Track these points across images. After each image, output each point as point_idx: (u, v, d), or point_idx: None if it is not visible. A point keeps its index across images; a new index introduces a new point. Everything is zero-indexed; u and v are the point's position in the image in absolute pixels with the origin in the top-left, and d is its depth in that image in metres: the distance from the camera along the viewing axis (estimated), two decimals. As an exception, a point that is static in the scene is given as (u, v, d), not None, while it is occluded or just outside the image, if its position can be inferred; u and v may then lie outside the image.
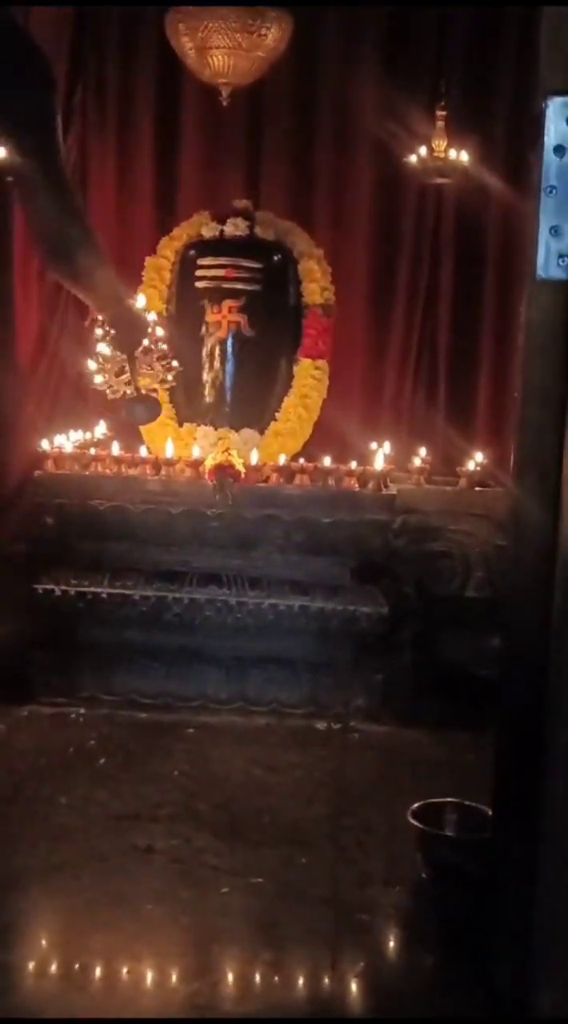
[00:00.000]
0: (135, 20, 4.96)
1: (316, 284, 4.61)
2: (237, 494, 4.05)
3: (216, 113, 4.67)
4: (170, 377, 3.12)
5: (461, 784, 3.15)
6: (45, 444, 4.34)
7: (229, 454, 4.09)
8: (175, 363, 3.38)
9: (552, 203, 1.81)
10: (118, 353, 3.17)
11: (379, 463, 4.37)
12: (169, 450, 4.30)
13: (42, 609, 4.11)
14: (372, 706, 4.09)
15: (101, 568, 4.16)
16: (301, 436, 4.53)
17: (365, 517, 4.17)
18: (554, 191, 1.81)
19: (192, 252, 4.66)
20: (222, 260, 4.57)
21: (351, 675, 4.07)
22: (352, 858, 3.03)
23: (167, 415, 4.32)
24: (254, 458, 4.28)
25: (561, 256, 1.83)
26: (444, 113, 4.58)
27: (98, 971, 2.49)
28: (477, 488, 4.44)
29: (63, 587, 4.09)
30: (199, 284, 4.60)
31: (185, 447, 4.37)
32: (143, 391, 3.41)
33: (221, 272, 4.56)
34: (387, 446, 4.56)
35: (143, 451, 4.40)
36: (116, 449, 4.44)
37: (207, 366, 4.55)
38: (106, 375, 2.98)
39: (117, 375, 3.11)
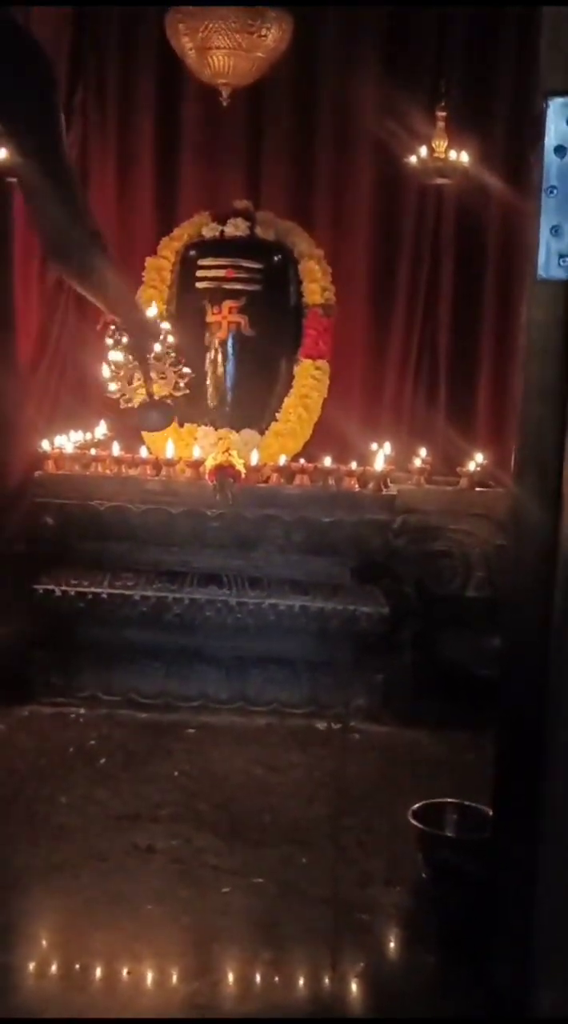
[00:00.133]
0: (135, 20, 4.97)
1: (316, 284, 4.61)
2: (237, 494, 4.05)
3: (216, 113, 4.68)
4: (183, 384, 3.11)
5: (461, 784, 3.16)
6: (45, 444, 4.34)
7: (229, 454, 4.10)
8: (187, 369, 3.38)
9: (553, 203, 1.81)
10: (130, 359, 3.17)
11: (379, 463, 4.37)
12: (169, 450, 4.30)
13: (42, 609, 4.11)
14: (372, 706, 4.09)
15: (101, 568, 4.16)
16: (301, 436, 4.53)
17: (365, 517, 4.17)
18: (555, 191, 1.81)
19: (192, 252, 4.66)
20: (222, 260, 4.57)
21: (351, 675, 4.06)
22: (353, 858, 3.03)
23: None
24: (254, 458, 4.28)
25: (562, 256, 1.83)
26: (444, 113, 4.58)
27: (98, 971, 2.49)
28: (477, 488, 4.44)
29: (63, 587, 4.09)
30: (199, 284, 4.60)
31: (185, 447, 4.37)
32: (156, 398, 3.41)
33: (221, 272, 4.56)
34: (387, 446, 4.56)
35: (143, 451, 4.40)
36: (116, 449, 4.44)
37: (208, 367, 4.56)
38: (120, 382, 2.98)
39: (129, 382, 3.10)
